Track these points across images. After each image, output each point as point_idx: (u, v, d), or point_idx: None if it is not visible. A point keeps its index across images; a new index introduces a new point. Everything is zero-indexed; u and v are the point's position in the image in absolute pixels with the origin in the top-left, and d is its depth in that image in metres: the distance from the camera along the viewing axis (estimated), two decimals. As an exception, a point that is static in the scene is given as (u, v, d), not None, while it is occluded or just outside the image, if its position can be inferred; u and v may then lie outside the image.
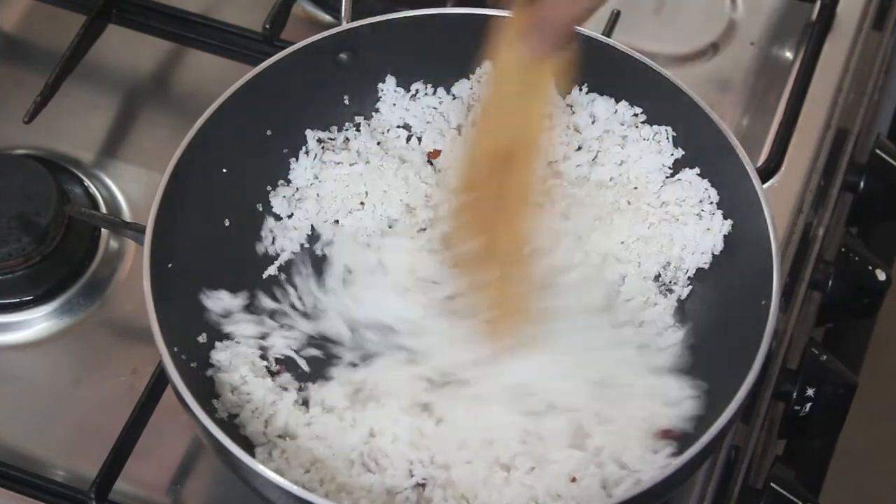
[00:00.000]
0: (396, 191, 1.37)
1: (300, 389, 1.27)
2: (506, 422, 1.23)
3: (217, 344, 1.28)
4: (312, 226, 1.37)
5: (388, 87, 1.40)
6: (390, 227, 1.36)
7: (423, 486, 1.20)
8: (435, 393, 1.26)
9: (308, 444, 1.22)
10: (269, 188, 1.36)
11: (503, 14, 1.35)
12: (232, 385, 1.25)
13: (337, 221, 1.36)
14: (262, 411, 1.24)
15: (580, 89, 1.38)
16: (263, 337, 1.30)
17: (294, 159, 1.38)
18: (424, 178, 1.38)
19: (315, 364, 1.30)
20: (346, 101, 1.40)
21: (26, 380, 1.38)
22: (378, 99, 1.40)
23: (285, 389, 1.26)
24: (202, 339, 1.27)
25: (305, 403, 1.26)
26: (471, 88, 1.39)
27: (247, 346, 1.28)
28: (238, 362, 1.26)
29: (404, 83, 1.40)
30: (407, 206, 1.37)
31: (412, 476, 1.21)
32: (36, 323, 1.40)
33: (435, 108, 1.40)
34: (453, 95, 1.40)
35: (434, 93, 1.40)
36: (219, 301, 1.29)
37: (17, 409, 1.36)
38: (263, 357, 1.28)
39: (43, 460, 1.32)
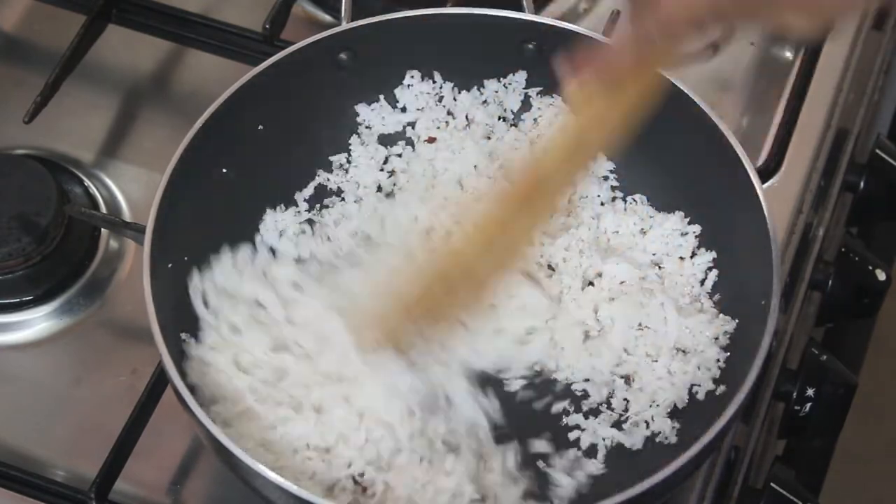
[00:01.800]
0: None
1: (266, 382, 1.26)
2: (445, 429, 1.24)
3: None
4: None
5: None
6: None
7: (365, 487, 1.21)
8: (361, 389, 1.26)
9: (257, 427, 1.22)
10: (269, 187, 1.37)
11: (504, 14, 1.36)
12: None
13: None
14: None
15: None
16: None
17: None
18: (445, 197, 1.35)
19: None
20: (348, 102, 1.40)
21: (26, 380, 1.38)
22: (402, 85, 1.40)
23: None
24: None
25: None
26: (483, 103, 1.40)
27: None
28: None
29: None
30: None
31: (350, 466, 1.21)
32: (36, 323, 1.40)
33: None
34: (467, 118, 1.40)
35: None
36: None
37: (17, 409, 1.36)
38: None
39: (43, 460, 1.32)
